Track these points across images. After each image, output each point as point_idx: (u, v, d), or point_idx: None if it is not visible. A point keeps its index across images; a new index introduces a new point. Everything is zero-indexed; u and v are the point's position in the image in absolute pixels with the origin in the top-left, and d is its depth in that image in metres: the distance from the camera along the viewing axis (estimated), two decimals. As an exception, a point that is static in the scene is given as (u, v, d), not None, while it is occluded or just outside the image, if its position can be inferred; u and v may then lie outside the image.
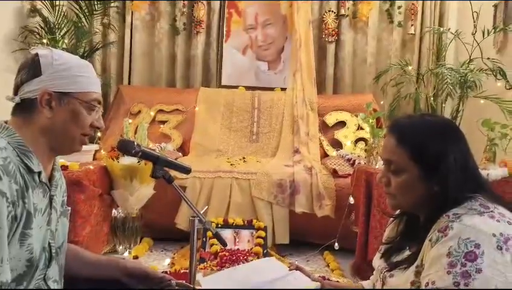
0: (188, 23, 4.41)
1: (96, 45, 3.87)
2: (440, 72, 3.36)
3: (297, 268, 1.44)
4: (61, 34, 3.51)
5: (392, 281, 1.16)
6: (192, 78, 4.41)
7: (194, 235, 1.35)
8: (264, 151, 3.85)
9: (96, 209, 2.73)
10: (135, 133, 3.43)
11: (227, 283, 1.45)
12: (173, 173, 1.37)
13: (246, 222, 3.07)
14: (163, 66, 4.42)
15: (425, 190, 1.11)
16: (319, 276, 1.97)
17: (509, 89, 3.18)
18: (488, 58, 3.16)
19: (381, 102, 3.99)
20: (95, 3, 3.67)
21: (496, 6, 3.52)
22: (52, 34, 3.45)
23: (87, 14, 3.64)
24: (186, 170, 1.41)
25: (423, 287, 1.02)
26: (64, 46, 3.46)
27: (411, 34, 4.30)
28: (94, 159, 3.24)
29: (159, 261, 2.88)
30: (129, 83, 4.40)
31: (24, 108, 1.14)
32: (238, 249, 2.92)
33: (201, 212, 1.36)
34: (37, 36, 3.53)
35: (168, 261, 2.88)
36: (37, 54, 1.15)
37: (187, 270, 1.41)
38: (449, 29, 3.70)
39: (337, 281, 2.55)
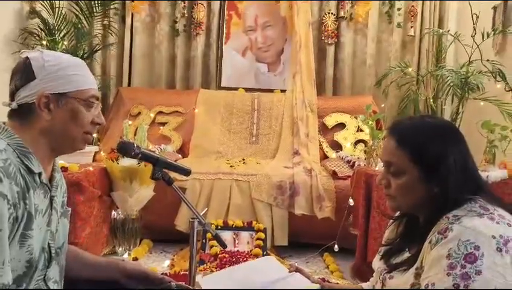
0: (188, 25, 4.41)
1: (96, 47, 3.87)
2: (440, 74, 3.37)
3: (297, 270, 1.44)
4: (61, 35, 3.51)
5: (392, 283, 1.16)
6: (192, 79, 4.41)
7: (193, 236, 1.35)
8: (263, 153, 3.85)
9: (95, 211, 2.73)
10: (135, 134, 3.43)
11: (227, 283, 1.45)
12: (173, 174, 1.37)
13: (245, 223, 3.07)
14: (163, 68, 4.42)
15: (425, 191, 1.11)
16: (319, 278, 1.97)
17: (509, 91, 3.19)
18: (488, 60, 3.17)
19: (382, 105, 4.00)
20: (95, 4, 3.68)
21: (495, 8, 3.53)
22: (52, 36, 3.45)
23: (87, 15, 3.64)
24: (186, 172, 1.41)
25: (423, 289, 1.02)
26: (64, 47, 3.46)
27: (411, 35, 4.31)
28: (94, 160, 3.24)
29: (159, 263, 2.88)
30: (129, 85, 4.40)
31: (22, 113, 1.13)
32: (237, 250, 2.92)
33: (201, 214, 1.36)
34: (37, 38, 3.53)
35: (167, 262, 2.88)
36: (27, 58, 1.15)
37: (187, 272, 1.41)
38: (448, 31, 3.70)
39: (337, 282, 2.55)
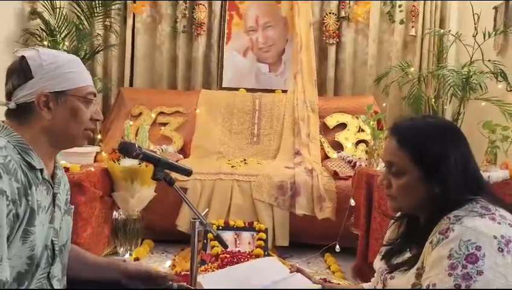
0: (189, 26, 4.41)
1: (97, 47, 3.87)
2: (441, 74, 3.36)
3: (298, 270, 1.44)
4: (62, 36, 3.51)
5: (393, 283, 1.16)
6: (193, 80, 4.41)
7: (195, 237, 1.35)
8: (264, 153, 3.85)
9: (97, 211, 2.73)
10: (136, 135, 3.43)
11: (228, 282, 1.46)
12: (174, 175, 1.37)
13: (246, 224, 3.07)
14: (164, 68, 4.42)
15: (426, 191, 1.11)
16: (320, 278, 1.98)
17: (510, 91, 3.19)
18: (489, 60, 3.16)
19: (384, 104, 4.00)
20: (96, 5, 3.68)
21: (496, 8, 3.52)
22: (53, 37, 3.45)
23: (88, 16, 3.64)
24: (187, 172, 1.41)
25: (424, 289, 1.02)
26: (65, 48, 3.46)
27: (412, 35, 4.30)
28: (95, 161, 3.24)
29: (160, 263, 2.88)
30: (131, 85, 4.41)
31: (20, 112, 1.13)
32: (239, 251, 2.92)
33: (202, 214, 1.36)
34: (38, 38, 3.53)
35: (169, 263, 2.88)
36: (23, 57, 1.14)
37: (188, 273, 1.41)
38: (450, 31, 3.70)
39: (338, 283, 2.55)
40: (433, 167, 1.09)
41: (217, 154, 3.79)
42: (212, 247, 2.89)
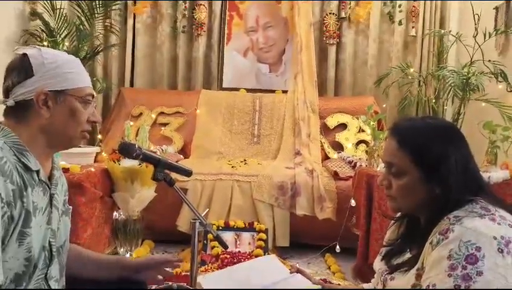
0: (189, 26, 4.42)
1: (97, 48, 3.87)
2: (441, 74, 3.36)
3: (298, 271, 1.44)
4: (62, 36, 3.51)
5: (393, 284, 1.16)
6: (193, 80, 4.41)
7: (195, 237, 1.35)
8: (265, 153, 3.85)
9: (97, 212, 2.73)
10: (136, 135, 3.43)
11: (228, 283, 1.46)
12: (174, 175, 1.37)
13: (247, 224, 3.07)
14: (164, 69, 4.43)
15: (427, 192, 1.11)
16: (320, 279, 1.97)
17: (511, 91, 3.18)
18: (490, 61, 3.16)
19: (384, 105, 4.00)
20: (96, 5, 3.68)
21: (497, 8, 3.51)
22: (53, 37, 3.46)
23: (88, 16, 3.64)
24: (187, 173, 1.41)
25: (424, 290, 1.02)
26: (65, 48, 3.46)
27: (412, 36, 4.30)
28: (95, 161, 3.24)
29: (160, 264, 2.88)
30: (131, 86, 4.41)
31: (18, 110, 1.13)
32: (239, 251, 2.92)
33: (203, 215, 1.36)
34: (38, 39, 3.54)
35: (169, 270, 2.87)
36: (25, 54, 1.14)
37: (188, 273, 1.41)
38: (450, 31, 3.70)
39: (339, 283, 2.55)
40: (433, 168, 1.09)
41: (217, 155, 3.79)
42: (213, 247, 2.89)
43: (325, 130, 3.94)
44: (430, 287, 1.00)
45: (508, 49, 3.45)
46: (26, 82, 1.12)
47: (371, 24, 4.34)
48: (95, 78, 4.06)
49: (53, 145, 1.18)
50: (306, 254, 3.14)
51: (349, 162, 3.42)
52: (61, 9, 3.55)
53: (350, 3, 4.35)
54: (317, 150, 3.77)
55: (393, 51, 4.34)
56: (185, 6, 4.35)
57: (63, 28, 3.52)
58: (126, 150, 1.33)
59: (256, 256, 2.84)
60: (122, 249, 2.97)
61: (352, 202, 2.87)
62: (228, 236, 2.98)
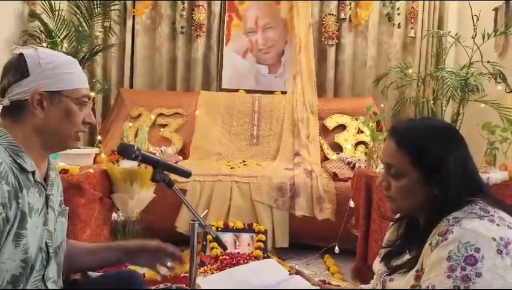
0: (189, 27, 4.42)
1: (96, 49, 3.87)
2: (440, 75, 3.37)
3: (298, 272, 1.44)
4: (61, 37, 3.52)
5: (392, 285, 1.16)
6: (192, 81, 4.42)
7: (194, 238, 1.35)
8: (264, 154, 3.85)
9: (96, 213, 2.72)
10: (135, 136, 3.43)
11: (227, 284, 1.46)
12: (173, 176, 1.37)
13: (246, 225, 3.07)
14: (163, 70, 4.43)
15: (426, 193, 1.11)
16: (319, 280, 1.97)
17: (509, 92, 3.19)
18: (488, 62, 3.17)
19: (382, 105, 4.00)
20: (95, 5, 3.68)
21: (496, 9, 3.52)
22: (52, 38, 3.46)
23: (87, 17, 3.64)
24: (187, 174, 1.41)
25: (423, 291, 1.02)
26: (64, 49, 3.46)
27: (411, 37, 4.31)
28: (94, 162, 3.24)
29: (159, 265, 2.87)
30: (131, 87, 4.41)
31: (14, 110, 1.13)
32: (238, 252, 2.92)
33: (202, 216, 1.36)
34: (37, 40, 3.54)
35: (168, 264, 2.87)
36: (21, 54, 1.14)
37: (187, 274, 1.41)
38: (449, 32, 3.71)
39: (338, 284, 2.55)
40: (432, 169, 1.09)
41: (217, 156, 3.79)
42: (212, 248, 2.88)
43: (324, 131, 3.95)
44: (430, 289, 0.99)
45: (508, 50, 3.45)
46: (21, 82, 1.12)
47: (370, 25, 4.35)
48: (94, 80, 4.06)
49: (48, 146, 1.18)
50: (305, 255, 3.14)
51: (348, 163, 3.42)
52: (60, 10, 3.55)
53: (351, 4, 4.35)
54: (316, 151, 3.77)
55: (392, 52, 4.34)
56: (184, 7, 4.36)
57: (62, 29, 3.52)
58: (125, 151, 1.33)
59: (256, 257, 2.84)
60: (121, 250, 2.96)
61: (351, 203, 2.87)
62: (227, 237, 2.98)
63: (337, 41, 4.37)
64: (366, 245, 2.57)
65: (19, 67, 1.13)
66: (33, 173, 1.11)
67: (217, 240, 1.41)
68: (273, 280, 1.43)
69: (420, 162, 1.11)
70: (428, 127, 1.17)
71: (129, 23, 4.37)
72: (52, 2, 3.55)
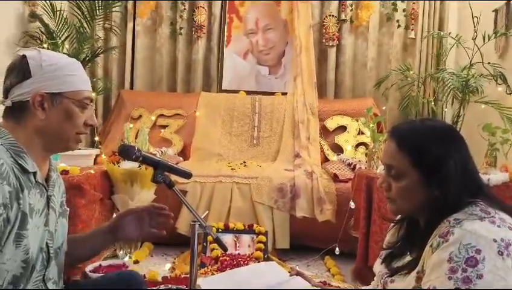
0: (189, 28, 4.42)
1: (97, 50, 3.88)
2: (441, 76, 3.37)
3: (298, 273, 1.44)
4: (62, 38, 3.52)
5: (393, 287, 1.16)
6: (193, 82, 4.42)
7: (194, 240, 1.35)
8: (264, 155, 3.85)
9: (97, 214, 2.73)
10: (136, 137, 3.43)
11: (228, 284, 1.46)
12: (174, 177, 1.37)
13: (246, 226, 3.07)
14: (164, 71, 4.43)
15: (426, 194, 1.11)
16: (320, 281, 1.97)
17: (510, 93, 3.19)
18: (489, 63, 3.17)
19: (383, 107, 4.00)
20: (97, 6, 3.68)
21: (496, 10, 3.51)
22: (53, 39, 3.46)
23: (88, 19, 3.65)
24: (187, 175, 1.41)
25: (424, 292, 1.02)
26: (65, 51, 3.46)
27: (412, 38, 4.30)
28: (95, 163, 3.24)
29: (160, 266, 2.88)
30: (131, 88, 4.41)
31: (16, 111, 1.14)
32: (238, 253, 2.92)
33: (202, 217, 1.36)
34: (38, 41, 3.54)
35: (168, 266, 2.87)
36: (24, 56, 1.15)
37: (188, 275, 1.41)
38: (449, 33, 3.71)
39: (338, 286, 2.55)
40: (433, 170, 1.09)
41: (217, 157, 3.79)
42: (212, 250, 2.88)
43: (324, 132, 3.95)
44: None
45: (508, 52, 3.45)
46: (23, 83, 1.13)
47: (370, 26, 4.35)
48: (95, 79, 4.07)
49: (49, 147, 1.18)
50: (306, 256, 3.13)
51: (349, 164, 3.42)
52: (61, 11, 3.55)
53: (352, 4, 4.35)
54: (316, 152, 3.77)
55: (392, 54, 4.34)
56: (184, 8, 4.36)
57: (63, 30, 3.52)
58: (126, 152, 1.33)
59: (256, 258, 2.84)
60: (121, 252, 2.96)
61: (352, 204, 2.87)
62: (228, 238, 2.98)
63: (337, 42, 4.37)
64: (367, 246, 2.57)
65: (21, 69, 1.14)
66: (34, 173, 1.12)
67: (217, 241, 1.41)
68: (273, 280, 1.43)
69: (420, 163, 1.11)
70: (429, 128, 1.17)
71: (130, 24, 4.37)
72: (53, 2, 3.55)
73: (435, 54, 4.18)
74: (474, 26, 3.19)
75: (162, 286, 2.39)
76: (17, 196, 1.05)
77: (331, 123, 3.96)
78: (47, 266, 1.15)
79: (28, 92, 1.12)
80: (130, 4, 4.35)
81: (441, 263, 0.99)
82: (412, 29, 4.28)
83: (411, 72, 3.83)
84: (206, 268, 2.72)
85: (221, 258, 2.80)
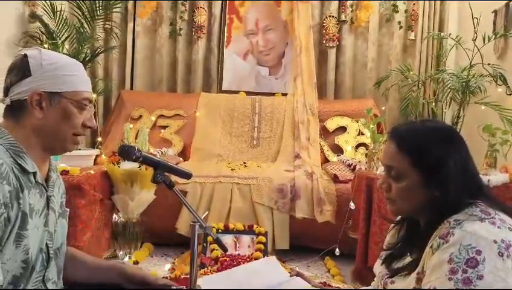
0: (189, 29, 4.42)
1: (97, 50, 3.88)
2: (441, 77, 3.37)
3: (298, 274, 1.44)
4: (62, 39, 3.52)
5: (393, 287, 1.16)
6: (193, 83, 4.41)
7: (194, 240, 1.35)
8: (264, 156, 3.85)
9: (96, 214, 2.73)
10: (136, 138, 3.43)
11: (227, 283, 1.46)
12: (174, 178, 1.37)
13: (246, 227, 3.07)
14: (164, 71, 4.43)
15: (426, 195, 1.11)
16: (320, 282, 1.97)
17: (510, 94, 3.19)
18: (489, 64, 3.17)
19: (383, 108, 4.00)
20: (97, 7, 3.68)
21: (495, 12, 3.51)
22: (53, 39, 3.46)
23: (88, 19, 3.65)
24: (187, 175, 1.41)
25: (424, 293, 1.02)
26: (65, 51, 3.46)
27: (412, 39, 4.31)
28: (95, 163, 3.24)
29: (160, 267, 2.88)
30: (131, 88, 4.41)
31: (15, 110, 1.14)
32: (238, 254, 2.92)
33: (202, 218, 1.35)
34: (38, 41, 3.54)
35: (168, 266, 2.87)
36: (25, 55, 1.15)
37: (188, 276, 1.41)
38: (449, 34, 3.71)
39: (338, 286, 2.55)
40: (433, 171, 1.09)
41: (217, 157, 3.79)
42: (212, 250, 2.88)
43: (324, 133, 3.95)
44: (431, 290, 0.99)
45: (507, 53, 3.45)
46: (22, 82, 1.13)
47: (370, 27, 4.35)
48: (95, 80, 4.07)
49: (47, 147, 1.17)
50: (305, 257, 3.13)
51: (349, 165, 3.42)
52: (62, 12, 3.55)
53: (352, 5, 4.35)
54: (316, 153, 3.77)
55: (392, 54, 4.34)
56: (185, 9, 4.36)
57: (64, 30, 3.52)
58: (126, 152, 1.33)
59: (256, 259, 2.84)
60: (121, 252, 2.96)
61: (352, 205, 2.87)
62: (228, 239, 2.98)
63: (337, 43, 4.37)
64: (367, 247, 2.57)
65: (21, 68, 1.14)
66: (34, 174, 1.12)
67: (217, 241, 1.41)
68: (273, 280, 1.43)
69: (420, 164, 1.11)
70: (429, 129, 1.17)
71: (130, 24, 4.37)
72: (54, 2, 3.56)
73: (435, 55, 4.18)
74: (474, 27, 3.19)
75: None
76: (17, 195, 1.05)
77: (331, 124, 3.96)
78: (47, 267, 1.15)
79: (26, 90, 1.12)
80: (130, 4, 4.35)
81: (441, 264, 0.99)
82: (412, 30, 4.29)
83: (411, 72, 3.83)
84: (206, 269, 2.72)
85: (221, 259, 2.80)
